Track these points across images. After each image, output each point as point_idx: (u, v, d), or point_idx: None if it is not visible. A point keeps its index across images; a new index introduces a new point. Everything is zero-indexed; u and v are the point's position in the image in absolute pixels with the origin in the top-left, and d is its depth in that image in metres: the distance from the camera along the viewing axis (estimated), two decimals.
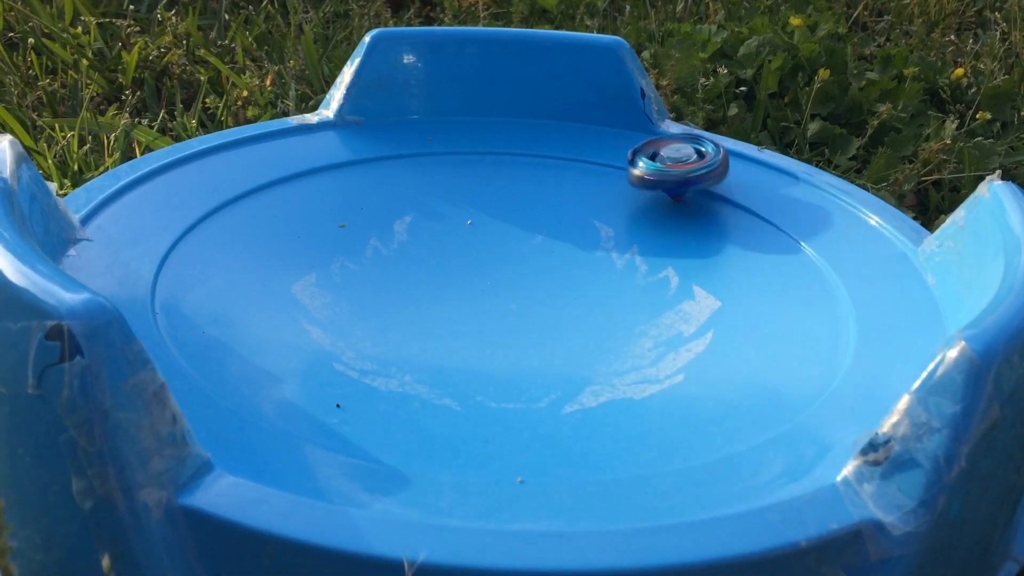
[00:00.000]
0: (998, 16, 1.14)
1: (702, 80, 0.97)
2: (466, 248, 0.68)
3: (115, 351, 0.40)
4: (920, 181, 0.88)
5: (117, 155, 0.84)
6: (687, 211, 0.73)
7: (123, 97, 0.95)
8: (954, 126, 0.90)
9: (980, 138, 0.90)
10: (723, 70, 0.97)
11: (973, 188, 0.65)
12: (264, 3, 1.17)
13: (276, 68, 1.01)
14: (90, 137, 0.87)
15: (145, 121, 0.93)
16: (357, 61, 0.77)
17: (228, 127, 0.92)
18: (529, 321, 0.62)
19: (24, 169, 0.54)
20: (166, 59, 1.01)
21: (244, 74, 1.01)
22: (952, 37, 1.12)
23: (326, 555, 0.39)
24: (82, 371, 0.39)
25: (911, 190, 0.87)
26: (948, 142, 0.87)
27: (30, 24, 1.06)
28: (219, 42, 1.08)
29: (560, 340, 0.60)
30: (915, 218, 0.82)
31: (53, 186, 0.58)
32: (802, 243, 0.68)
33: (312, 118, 0.77)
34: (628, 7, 1.21)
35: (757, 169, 0.76)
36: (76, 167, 0.82)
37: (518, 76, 0.80)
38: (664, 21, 1.16)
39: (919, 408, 0.42)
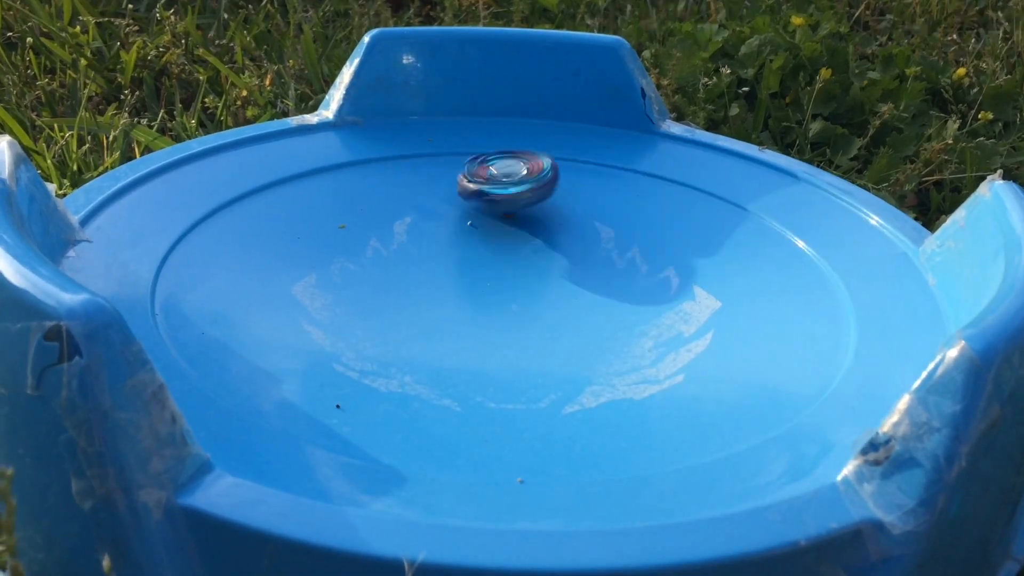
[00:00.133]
0: (1000, 16, 1.14)
1: (703, 80, 0.97)
2: (466, 249, 0.68)
3: (114, 352, 0.40)
4: (921, 181, 0.88)
5: (116, 155, 0.84)
6: (687, 211, 0.73)
7: (122, 97, 0.95)
8: (955, 126, 0.90)
9: (982, 138, 0.89)
10: (725, 70, 0.96)
11: (974, 188, 0.65)
12: (263, 2, 1.17)
13: (275, 67, 1.00)
14: (89, 137, 0.87)
15: (144, 121, 0.93)
16: (356, 61, 0.77)
17: (228, 127, 0.92)
18: (529, 321, 0.62)
19: (23, 170, 0.53)
20: (165, 58, 1.01)
21: (243, 74, 1.01)
22: (954, 37, 1.12)
23: (326, 555, 0.39)
24: (81, 371, 0.39)
25: (912, 190, 0.87)
26: (950, 142, 0.87)
27: (29, 23, 1.06)
28: (218, 41, 1.08)
29: (560, 340, 0.60)
30: (916, 218, 0.82)
31: (52, 187, 0.58)
32: (803, 243, 0.68)
33: (312, 119, 0.77)
34: (629, 6, 1.21)
35: (758, 169, 0.76)
36: (75, 167, 0.82)
37: (518, 76, 0.80)
38: (665, 20, 1.16)
39: (919, 407, 0.42)
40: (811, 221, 0.70)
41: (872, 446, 0.43)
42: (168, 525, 0.40)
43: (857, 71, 0.97)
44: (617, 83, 0.80)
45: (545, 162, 0.71)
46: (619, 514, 0.43)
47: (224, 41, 1.07)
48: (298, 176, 0.72)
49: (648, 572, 0.39)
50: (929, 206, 0.87)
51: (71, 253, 0.59)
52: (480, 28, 0.87)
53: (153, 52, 1.01)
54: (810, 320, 0.61)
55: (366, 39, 0.78)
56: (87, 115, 0.89)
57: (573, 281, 0.66)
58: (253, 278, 0.62)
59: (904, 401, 0.43)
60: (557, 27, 1.13)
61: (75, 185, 0.80)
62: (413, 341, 0.59)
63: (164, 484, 0.40)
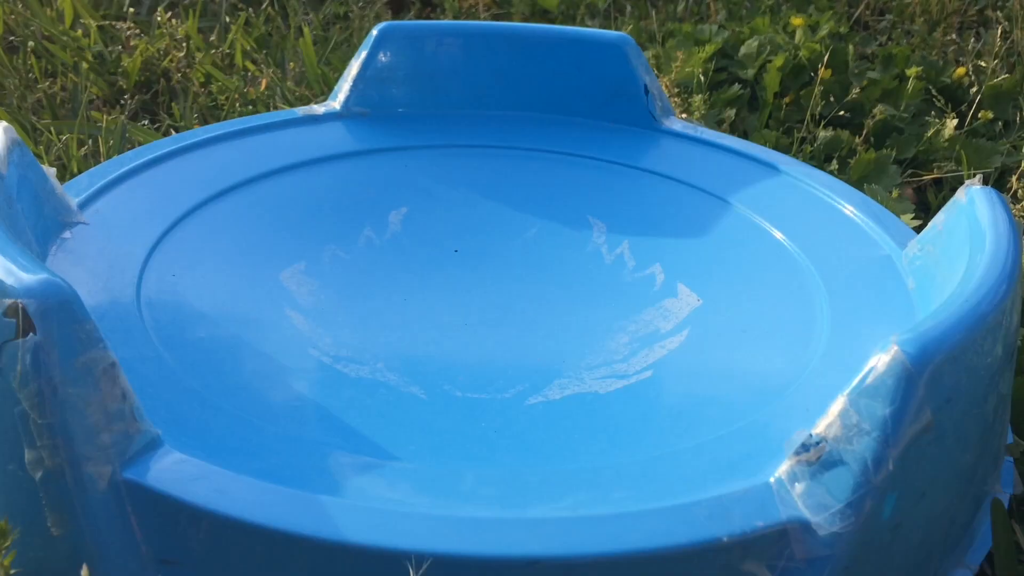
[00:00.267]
0: (1000, 15, 1.12)
1: (703, 80, 0.97)
2: (459, 240, 0.69)
3: (67, 330, 0.42)
4: (921, 181, 0.87)
5: (115, 155, 0.86)
6: (683, 208, 0.73)
7: (123, 101, 0.98)
8: (954, 124, 0.89)
9: (983, 138, 0.88)
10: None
11: None
12: (264, 5, 1.19)
13: (275, 71, 1.02)
14: (89, 140, 0.89)
15: (145, 124, 0.95)
16: (364, 54, 0.79)
17: None
18: (512, 314, 0.63)
19: (16, 153, 0.56)
20: (165, 62, 1.03)
21: (244, 76, 1.03)
22: (954, 36, 1.10)
23: (257, 532, 0.41)
24: (34, 347, 0.41)
25: (911, 188, 0.86)
26: (947, 142, 0.86)
27: (31, 27, 1.08)
28: (219, 45, 1.09)
29: (539, 333, 0.61)
30: (916, 218, 0.81)
31: (52, 171, 0.61)
32: (791, 244, 0.68)
33: (318, 109, 0.79)
34: (629, 7, 1.21)
35: (758, 168, 0.76)
36: (75, 169, 0.84)
37: (523, 71, 0.81)
38: (665, 21, 1.16)
39: (851, 410, 0.43)
40: (803, 223, 0.69)
41: (804, 447, 0.44)
42: (112, 497, 0.42)
43: (857, 71, 0.96)
44: (621, 79, 0.80)
45: None
46: (549, 504, 0.44)
47: (224, 45, 1.09)
48: (301, 165, 0.74)
49: (565, 561, 0.40)
50: (929, 205, 0.86)
51: (67, 235, 0.61)
52: (487, 23, 0.88)
53: (154, 55, 1.03)
54: (786, 321, 0.61)
55: (374, 32, 0.79)
56: (87, 117, 0.92)
57: (560, 275, 0.67)
58: (244, 264, 0.64)
59: (837, 403, 0.43)
60: None
61: None
62: (392, 329, 0.60)
63: (111, 458, 0.42)
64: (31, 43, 1.03)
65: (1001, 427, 0.55)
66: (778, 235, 0.69)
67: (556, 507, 0.44)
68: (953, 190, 0.87)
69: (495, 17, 1.17)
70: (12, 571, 0.42)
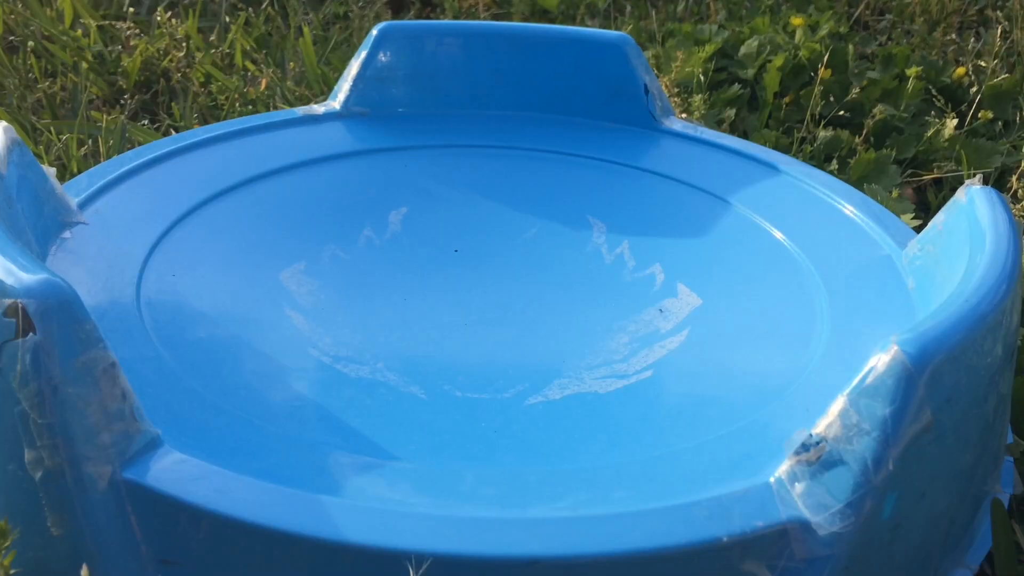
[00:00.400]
0: (1000, 15, 1.12)
1: (703, 80, 0.97)
2: (459, 240, 0.69)
3: (67, 329, 0.42)
4: (921, 181, 0.87)
5: (115, 155, 0.86)
6: (682, 208, 0.73)
7: (123, 101, 0.98)
8: (954, 124, 0.89)
9: (983, 138, 0.88)
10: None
11: None
12: (264, 5, 1.19)
13: (275, 71, 1.02)
14: (89, 140, 0.89)
15: (145, 124, 0.95)
16: (364, 53, 0.79)
17: None
18: (512, 314, 0.63)
19: (16, 153, 0.56)
20: (165, 62, 1.03)
21: (244, 76, 1.03)
22: (954, 36, 1.11)
23: (256, 532, 0.41)
24: (34, 347, 0.41)
25: (911, 188, 0.86)
26: (947, 142, 0.86)
27: (30, 27, 1.08)
28: (219, 45, 1.09)
29: (539, 333, 0.61)
30: (916, 218, 0.81)
31: (52, 171, 0.61)
32: (791, 243, 0.68)
33: (318, 109, 0.79)
34: (629, 7, 1.22)
35: (758, 168, 0.76)
36: (75, 169, 0.84)
37: (523, 70, 0.81)
38: (665, 21, 1.16)
39: (851, 410, 0.43)
40: (803, 223, 0.69)
41: (804, 447, 0.44)
42: (112, 497, 0.42)
43: (857, 71, 0.96)
44: (621, 79, 0.80)
45: None
46: (548, 504, 0.44)
47: (224, 45, 1.09)
48: (301, 165, 0.74)
49: (564, 562, 0.40)
50: (929, 205, 0.86)
51: (66, 235, 0.61)
52: (487, 23, 0.88)
53: (154, 55, 1.03)
54: (786, 321, 0.61)
55: (374, 32, 0.79)
56: (87, 117, 0.92)
57: (560, 275, 0.67)
58: (244, 263, 0.64)
59: (837, 403, 0.43)
60: None
61: None
62: (392, 329, 0.60)
63: (111, 458, 0.42)
64: (31, 43, 1.03)
65: (1001, 427, 0.55)
66: (778, 235, 0.69)
67: (556, 507, 0.44)
68: (953, 190, 0.87)
69: (495, 17, 1.17)
70: (12, 571, 0.42)
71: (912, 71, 0.97)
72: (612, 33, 0.81)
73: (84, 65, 1.02)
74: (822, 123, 0.95)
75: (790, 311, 0.62)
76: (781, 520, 0.43)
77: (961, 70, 1.00)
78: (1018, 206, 0.82)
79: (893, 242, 0.65)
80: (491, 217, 0.72)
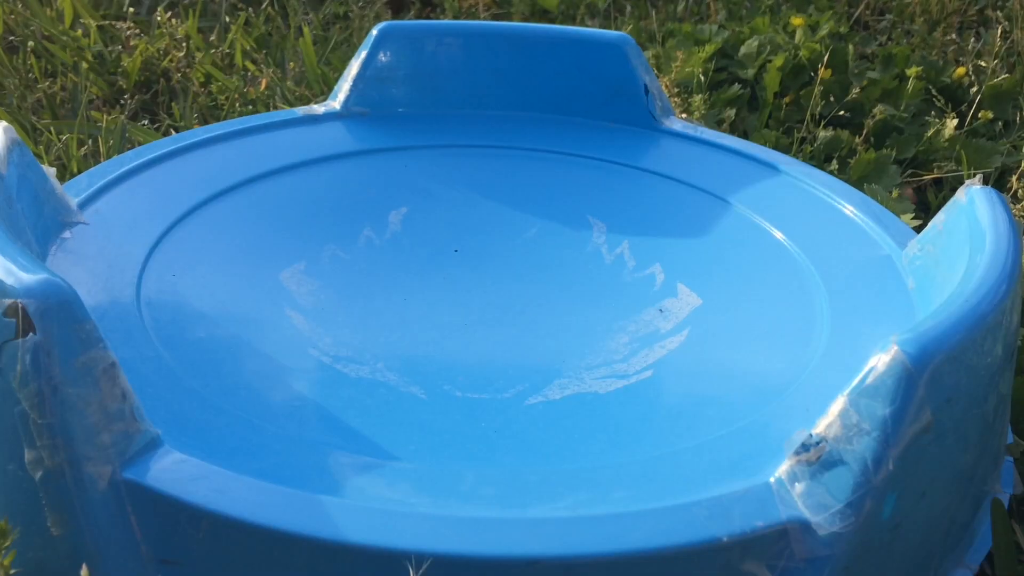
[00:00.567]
0: (1000, 15, 1.12)
1: (703, 80, 0.97)
2: (459, 240, 0.69)
3: (66, 330, 0.42)
4: (921, 181, 0.87)
5: (115, 156, 0.86)
6: (682, 208, 0.73)
7: (123, 101, 0.98)
8: (954, 124, 0.89)
9: (983, 138, 0.89)
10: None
11: None
12: (264, 5, 1.19)
13: (275, 71, 1.02)
14: (89, 140, 0.89)
15: (145, 124, 0.95)
16: (364, 53, 0.79)
17: None
18: (512, 314, 0.63)
19: (16, 153, 0.56)
20: (165, 62, 1.03)
21: (244, 76, 1.03)
22: (954, 36, 1.11)
23: (256, 532, 0.41)
24: (34, 347, 0.41)
25: (911, 188, 0.86)
26: (947, 142, 0.86)
27: (30, 27, 1.08)
28: (219, 45, 1.09)
29: (539, 333, 0.61)
30: (916, 218, 0.81)
31: (52, 171, 0.61)
32: (791, 243, 0.68)
33: (318, 109, 0.79)
34: (629, 7, 1.22)
35: (758, 168, 0.76)
36: (75, 169, 0.84)
37: (523, 70, 0.81)
38: (665, 21, 1.16)
39: (851, 410, 0.43)
40: (803, 223, 0.69)
41: (804, 447, 0.44)
42: (112, 497, 0.42)
43: (857, 71, 0.96)
44: (621, 79, 0.80)
45: None
46: (548, 504, 0.44)
47: (224, 45, 1.09)
48: (301, 165, 0.74)
49: (564, 562, 0.40)
50: (929, 205, 0.86)
51: (66, 235, 0.61)
52: (487, 23, 0.88)
53: (154, 55, 1.03)
54: (786, 321, 0.61)
55: (374, 32, 0.79)
56: (87, 117, 0.91)
57: (560, 275, 0.67)
58: (243, 263, 0.64)
59: (837, 403, 0.43)
60: None
61: None
62: (392, 329, 0.60)
63: (111, 458, 0.42)
64: (31, 43, 1.03)
65: (1001, 427, 0.55)
66: (778, 235, 0.69)
67: (556, 507, 0.44)
68: (953, 190, 0.87)
69: (495, 17, 1.17)
70: (12, 571, 0.42)
71: (912, 71, 0.97)
72: (612, 33, 0.81)
73: (84, 65, 1.02)
74: (822, 123, 0.95)
75: (790, 311, 0.62)
76: (781, 520, 0.43)
77: (961, 70, 1.00)
78: (1018, 206, 0.82)
79: (893, 242, 0.65)
80: (491, 217, 0.72)
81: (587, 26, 1.15)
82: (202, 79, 1.02)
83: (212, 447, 0.46)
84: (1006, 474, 0.57)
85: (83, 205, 0.64)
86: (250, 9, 1.16)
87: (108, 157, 0.86)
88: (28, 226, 0.56)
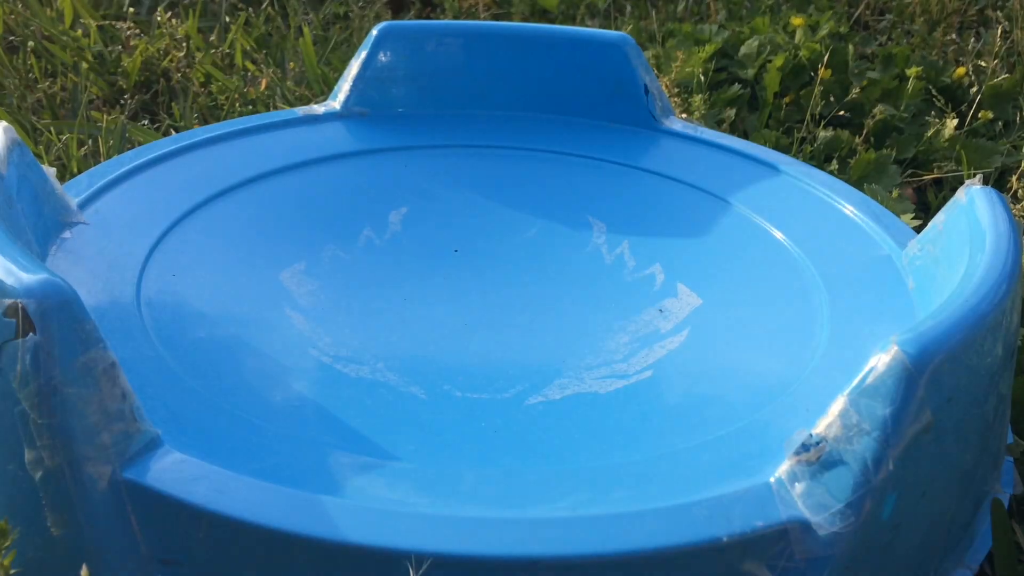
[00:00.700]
0: (1000, 15, 1.12)
1: (703, 80, 0.97)
2: (459, 240, 0.69)
3: (67, 330, 0.42)
4: (921, 181, 0.87)
5: (115, 156, 0.86)
6: (682, 208, 0.73)
7: (123, 101, 0.98)
8: (954, 124, 0.89)
9: (983, 138, 0.89)
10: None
11: None
12: (264, 5, 1.19)
13: (275, 71, 1.02)
14: (89, 140, 0.89)
15: (145, 123, 0.95)
16: (364, 54, 0.79)
17: None
18: (512, 314, 0.63)
19: (16, 153, 0.56)
20: (165, 62, 1.03)
21: (244, 76, 1.03)
22: (954, 36, 1.11)
23: (256, 532, 0.41)
24: (34, 347, 0.41)
25: (911, 188, 0.86)
26: (947, 142, 0.86)
27: (30, 27, 1.08)
28: (219, 45, 1.09)
29: (538, 333, 0.61)
30: (915, 218, 0.81)
31: (52, 171, 0.61)
32: (791, 243, 0.68)
33: (318, 109, 0.79)
34: (629, 7, 1.22)
35: (758, 168, 0.76)
36: (75, 169, 0.84)
37: (523, 71, 0.81)
38: (665, 21, 1.16)
39: (851, 410, 0.43)
40: (803, 223, 0.69)
41: (804, 447, 0.44)
42: (112, 497, 0.42)
43: (857, 71, 0.96)
44: (621, 79, 0.80)
45: None
46: (547, 504, 0.44)
47: (224, 45, 1.09)
48: (301, 165, 0.74)
49: (564, 562, 0.40)
50: (929, 205, 0.86)
51: (66, 235, 0.61)
52: (487, 23, 0.88)
53: (154, 55, 1.03)
54: (786, 321, 0.61)
55: (374, 32, 0.79)
56: (87, 117, 0.91)
57: (560, 275, 0.67)
58: (244, 264, 0.64)
59: (837, 403, 0.43)
60: None
61: None
62: (392, 329, 0.60)
63: (111, 458, 0.42)
64: (31, 43, 1.03)
65: (1001, 427, 0.55)
66: (778, 235, 0.69)
67: (556, 507, 0.44)
68: (953, 190, 0.87)
69: (495, 17, 1.17)
70: (12, 571, 0.42)
71: (912, 71, 0.97)
72: (612, 33, 0.81)
73: (84, 65, 1.02)
74: (822, 123, 0.95)
75: (790, 311, 0.62)
76: (781, 520, 0.43)
77: (961, 70, 1.00)
78: (1018, 206, 0.82)
79: (893, 242, 0.65)
80: (491, 217, 0.72)
81: (587, 26, 1.15)
82: (202, 79, 1.02)
83: (212, 447, 0.46)
84: (1006, 474, 0.57)
85: (83, 205, 0.64)
86: (250, 9, 1.16)
87: (108, 157, 0.86)
88: (28, 226, 0.56)
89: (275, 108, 0.97)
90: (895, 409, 0.42)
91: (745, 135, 0.96)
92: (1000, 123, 0.97)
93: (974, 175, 0.84)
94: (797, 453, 0.44)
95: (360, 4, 1.20)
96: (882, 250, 0.65)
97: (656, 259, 0.68)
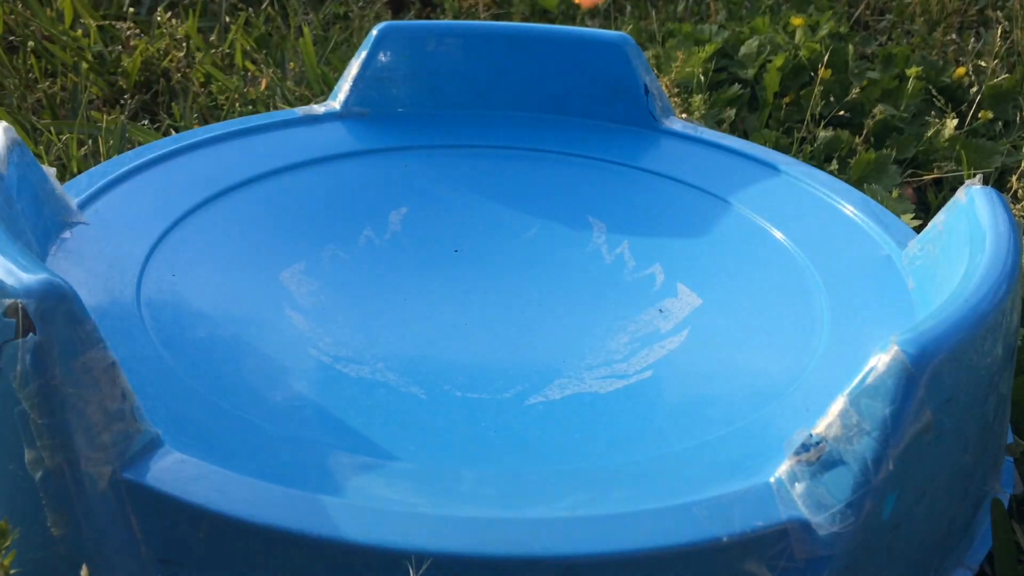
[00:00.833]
0: (1000, 15, 1.12)
1: (703, 80, 0.97)
2: (459, 240, 0.69)
3: (66, 330, 0.42)
4: (921, 181, 0.87)
5: (115, 156, 0.86)
6: (682, 208, 0.73)
7: (123, 101, 0.98)
8: (954, 124, 0.89)
9: (983, 138, 0.89)
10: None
11: None
12: (264, 5, 1.19)
13: (275, 71, 1.02)
14: (89, 140, 0.89)
15: (145, 124, 0.95)
16: (364, 54, 0.79)
17: None
18: (511, 314, 0.63)
19: (16, 153, 0.56)
20: (165, 62, 1.03)
21: (244, 76, 1.03)
22: (954, 36, 1.11)
23: (256, 532, 0.41)
24: (34, 347, 0.41)
25: (911, 188, 0.86)
26: (947, 142, 0.86)
27: (30, 27, 1.08)
28: (219, 45, 1.09)
29: (538, 333, 0.61)
30: (915, 218, 0.81)
31: (52, 171, 0.61)
32: (791, 243, 0.68)
33: (318, 109, 0.79)
34: (629, 7, 1.22)
35: (758, 168, 0.76)
36: (75, 169, 0.84)
37: (523, 70, 0.81)
38: (665, 21, 1.16)
39: (851, 410, 0.43)
40: (803, 223, 0.69)
41: (804, 447, 0.44)
42: (112, 497, 0.42)
43: (857, 71, 0.96)
44: (621, 79, 0.80)
45: None
46: (547, 504, 0.44)
47: (224, 45, 1.09)
48: (301, 165, 0.74)
49: (564, 562, 0.40)
50: (929, 205, 0.86)
51: (66, 235, 0.61)
52: (487, 23, 0.88)
53: (154, 55, 1.03)
54: (786, 321, 0.61)
55: (374, 32, 0.79)
56: (87, 117, 0.91)
57: (561, 275, 0.67)
58: (244, 264, 0.64)
59: (838, 403, 0.43)
60: None
61: None
62: (392, 329, 0.60)
63: (111, 458, 0.42)
64: (31, 43, 1.03)
65: (1001, 427, 0.55)
66: (778, 235, 0.69)
67: (556, 507, 0.44)
68: (953, 190, 0.87)
69: (495, 17, 1.17)
70: (12, 571, 0.42)
71: (912, 71, 0.97)
72: (612, 33, 0.81)
73: (84, 65, 1.02)
74: (822, 123, 0.95)
75: (790, 311, 0.62)
76: (781, 520, 0.43)
77: (961, 70, 1.00)
78: (1018, 206, 0.82)
79: (893, 242, 0.65)
80: (491, 217, 0.72)
81: (587, 26, 1.15)
82: (202, 79, 1.02)
83: (212, 447, 0.46)
84: (1006, 474, 0.57)
85: (83, 205, 0.64)
86: (250, 9, 1.16)
87: (108, 157, 0.86)
88: (28, 226, 0.56)
89: (275, 108, 0.97)
90: (895, 409, 0.42)
91: (745, 135, 0.96)
92: (1000, 123, 0.97)
93: (974, 175, 0.84)
94: (797, 453, 0.44)
95: (360, 4, 1.20)
96: (882, 250, 0.65)
97: (656, 259, 0.68)
